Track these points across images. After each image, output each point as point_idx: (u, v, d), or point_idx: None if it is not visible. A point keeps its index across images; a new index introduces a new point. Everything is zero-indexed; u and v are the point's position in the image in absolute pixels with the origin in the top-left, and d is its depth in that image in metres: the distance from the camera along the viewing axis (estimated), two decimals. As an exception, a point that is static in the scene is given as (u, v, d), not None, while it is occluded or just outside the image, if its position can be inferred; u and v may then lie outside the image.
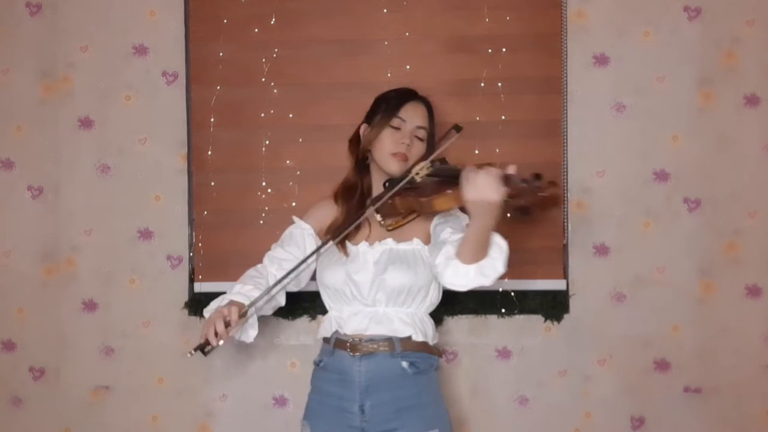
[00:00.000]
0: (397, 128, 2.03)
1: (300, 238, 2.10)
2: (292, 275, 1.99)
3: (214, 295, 2.53)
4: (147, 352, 2.59)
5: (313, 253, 2.00)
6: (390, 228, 1.99)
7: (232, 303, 1.92)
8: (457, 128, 1.96)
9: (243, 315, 1.92)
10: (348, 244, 2.02)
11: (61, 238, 2.60)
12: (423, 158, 2.00)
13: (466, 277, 1.81)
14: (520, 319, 2.52)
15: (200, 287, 2.57)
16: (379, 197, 1.96)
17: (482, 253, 1.79)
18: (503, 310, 2.51)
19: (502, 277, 2.45)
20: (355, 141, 2.13)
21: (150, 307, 2.59)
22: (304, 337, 2.55)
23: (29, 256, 2.61)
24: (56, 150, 2.59)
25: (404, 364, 1.94)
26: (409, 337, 1.95)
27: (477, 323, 2.52)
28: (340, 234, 1.97)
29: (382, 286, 1.95)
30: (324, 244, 1.99)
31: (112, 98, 2.58)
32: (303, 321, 2.55)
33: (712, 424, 2.50)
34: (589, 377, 2.52)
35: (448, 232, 1.89)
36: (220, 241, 2.56)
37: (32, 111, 2.59)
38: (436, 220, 2.00)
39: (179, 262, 2.59)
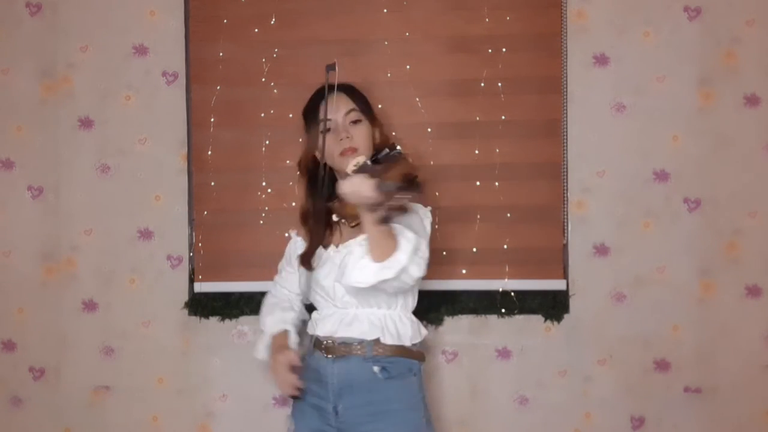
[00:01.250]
0: (329, 129, 1.95)
1: (294, 255, 2.10)
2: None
3: (214, 295, 2.55)
4: (147, 352, 2.59)
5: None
6: (353, 225, 1.94)
7: (281, 344, 2.02)
8: (331, 67, 1.89)
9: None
10: (321, 250, 1.99)
11: (61, 238, 2.60)
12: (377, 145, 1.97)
13: (369, 273, 1.79)
14: (520, 319, 2.52)
15: (200, 287, 2.57)
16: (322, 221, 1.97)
17: (388, 247, 1.78)
18: (503, 310, 2.51)
19: (505, 277, 2.50)
20: (303, 162, 2.04)
21: (150, 307, 2.59)
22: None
23: (29, 256, 2.61)
24: (56, 150, 2.59)
25: (375, 368, 1.91)
26: (378, 340, 1.92)
27: (477, 323, 2.52)
28: (304, 259, 1.99)
29: (345, 288, 1.93)
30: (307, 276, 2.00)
31: (112, 98, 2.58)
32: (303, 321, 2.55)
33: (712, 424, 2.50)
34: (589, 377, 2.52)
35: None
36: (220, 241, 2.56)
37: (32, 111, 2.59)
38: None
39: (179, 262, 2.59)
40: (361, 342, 1.93)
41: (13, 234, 2.61)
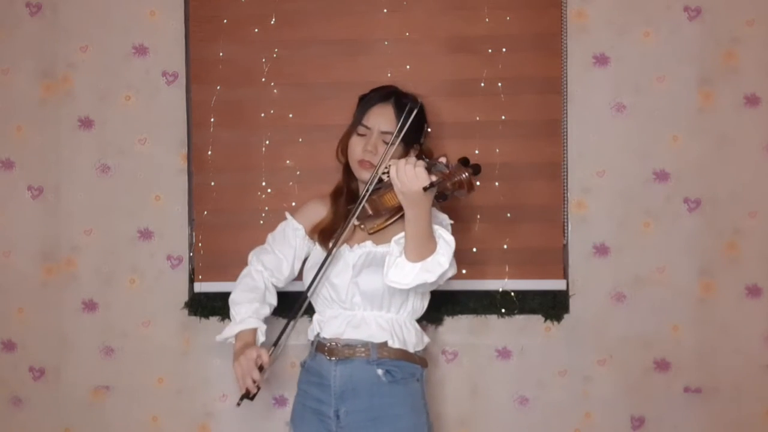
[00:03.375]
0: (363, 135, 2.02)
1: (292, 238, 2.11)
2: (316, 283, 1.99)
3: (214, 295, 2.55)
4: (147, 352, 2.59)
5: (318, 271, 1.97)
6: (371, 232, 1.96)
7: (248, 341, 1.99)
8: (414, 104, 1.95)
9: (279, 338, 1.99)
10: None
11: (61, 238, 2.60)
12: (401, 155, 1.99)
13: (410, 275, 1.79)
14: (520, 319, 2.52)
15: (200, 287, 2.57)
16: (355, 203, 1.96)
17: (427, 248, 1.77)
18: (503, 310, 2.51)
19: (505, 277, 2.50)
20: (340, 146, 2.12)
21: (150, 307, 2.59)
22: (304, 337, 2.54)
23: (29, 256, 2.61)
24: (56, 150, 2.59)
25: (379, 371, 1.91)
26: (385, 343, 1.92)
27: (477, 323, 2.52)
28: (334, 245, 1.96)
29: (358, 290, 1.93)
30: (281, 334, 2.00)
31: (112, 98, 2.58)
32: (303, 321, 2.54)
33: (712, 424, 2.50)
34: (589, 377, 2.52)
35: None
36: (220, 241, 2.56)
37: (32, 111, 2.59)
38: None
39: (179, 262, 2.59)
40: (365, 345, 1.92)
41: (13, 234, 2.61)
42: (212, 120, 2.56)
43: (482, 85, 2.51)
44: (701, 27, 2.48)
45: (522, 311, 2.51)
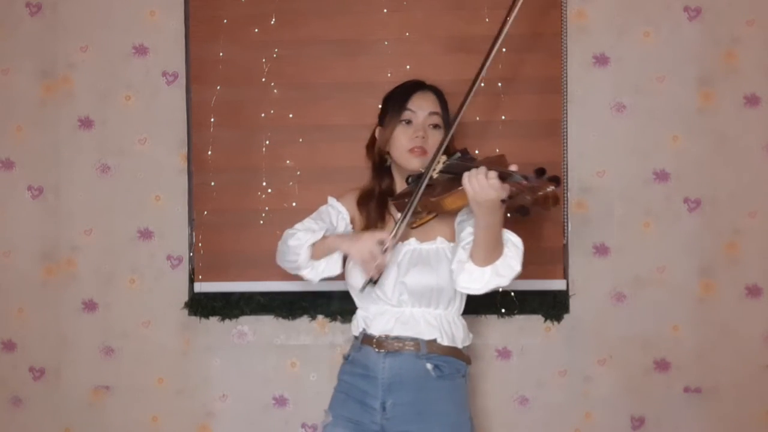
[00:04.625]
0: (409, 122, 1.98)
1: (335, 218, 2.03)
2: (404, 222, 1.86)
3: (214, 295, 2.55)
4: (147, 352, 2.59)
5: (398, 226, 1.85)
6: (413, 226, 1.92)
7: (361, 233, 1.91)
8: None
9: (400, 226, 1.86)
10: None
11: (61, 238, 2.60)
12: (445, 151, 1.91)
13: (480, 280, 1.77)
14: (520, 319, 2.52)
15: (200, 287, 2.57)
16: (401, 196, 1.91)
17: (495, 253, 1.76)
18: (503, 310, 2.51)
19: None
20: (371, 145, 2.08)
21: (150, 307, 2.59)
22: (304, 337, 2.55)
23: (29, 256, 2.61)
24: (56, 150, 2.59)
25: (429, 365, 1.90)
26: (434, 340, 1.91)
27: (477, 323, 2.52)
28: (398, 231, 1.86)
29: (405, 289, 1.91)
30: (400, 222, 1.86)
31: (112, 98, 2.58)
32: (303, 321, 2.55)
33: (712, 424, 2.50)
34: (589, 377, 2.52)
35: (467, 232, 1.84)
36: (220, 241, 2.56)
37: (32, 111, 2.59)
38: (459, 216, 1.93)
39: (179, 262, 2.59)
40: (415, 339, 1.91)
41: (13, 234, 2.61)
42: (212, 120, 2.56)
43: (482, 85, 2.50)
44: (701, 27, 2.48)
45: (522, 311, 2.51)
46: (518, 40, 2.50)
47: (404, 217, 1.85)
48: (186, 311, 2.58)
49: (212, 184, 2.57)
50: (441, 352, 1.91)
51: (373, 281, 1.86)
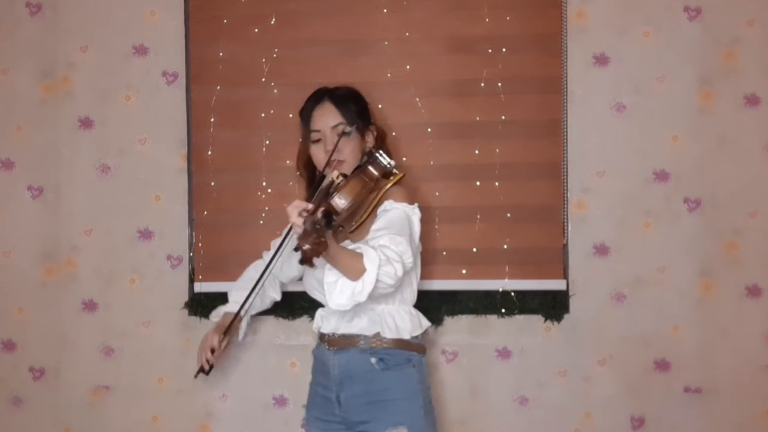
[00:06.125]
0: (318, 141, 2.02)
1: (290, 244, 2.10)
2: (265, 275, 2.07)
3: (214, 295, 2.55)
4: (147, 352, 2.59)
5: (274, 255, 2.04)
6: (351, 231, 1.97)
7: (219, 322, 2.17)
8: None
9: (231, 326, 2.12)
10: None
11: (61, 238, 2.60)
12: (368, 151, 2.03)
13: (344, 298, 1.81)
14: (520, 319, 2.52)
15: (200, 287, 2.57)
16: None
17: (355, 270, 1.78)
18: (503, 310, 2.51)
19: (505, 277, 2.50)
20: (299, 161, 2.14)
21: (150, 307, 2.59)
22: (304, 337, 2.55)
23: (29, 256, 2.61)
24: (56, 150, 2.59)
25: (372, 359, 1.97)
26: (378, 334, 1.97)
27: (477, 323, 2.52)
28: (274, 258, 2.03)
29: None
30: (276, 251, 2.03)
31: (112, 98, 2.58)
32: (303, 321, 2.55)
33: (712, 424, 2.50)
34: (589, 377, 2.52)
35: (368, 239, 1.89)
36: (220, 241, 2.56)
37: (32, 111, 2.59)
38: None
39: (179, 262, 2.59)
40: (359, 335, 1.99)
41: (13, 234, 2.61)
42: (212, 120, 2.56)
43: (482, 85, 2.51)
44: (701, 27, 2.48)
45: (522, 311, 2.51)
46: (518, 40, 2.50)
47: (259, 280, 2.08)
48: (186, 311, 2.58)
49: (212, 184, 2.57)
50: (387, 344, 1.97)
51: (204, 371, 2.14)
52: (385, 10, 2.53)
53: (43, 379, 2.62)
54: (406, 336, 1.99)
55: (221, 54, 2.55)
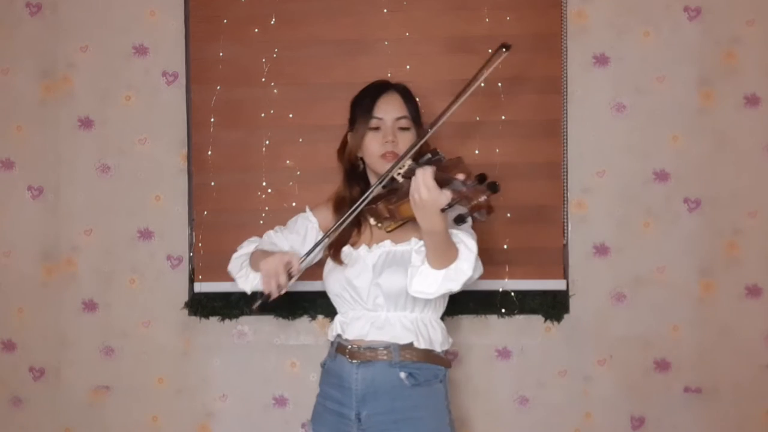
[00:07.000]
0: (377, 128, 1.95)
1: (303, 229, 2.05)
2: (322, 245, 1.92)
3: (214, 296, 2.55)
4: (147, 352, 2.59)
5: (311, 249, 1.91)
6: (388, 230, 1.87)
7: (280, 252, 1.89)
8: (506, 47, 1.80)
9: (314, 249, 1.90)
10: (349, 248, 1.96)
11: (61, 238, 2.60)
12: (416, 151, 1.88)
13: (433, 285, 1.74)
14: (520, 319, 2.52)
15: (200, 287, 2.57)
16: (374, 201, 1.87)
17: (448, 257, 1.72)
18: (503, 310, 2.51)
19: (505, 277, 2.50)
20: (342, 150, 2.06)
21: (150, 307, 2.59)
22: (304, 337, 2.55)
23: (29, 256, 2.61)
24: (56, 150, 2.60)
25: (402, 374, 1.87)
26: (411, 344, 1.88)
27: (477, 323, 2.52)
28: (336, 252, 1.94)
29: (380, 290, 1.89)
30: (314, 247, 1.91)
31: (112, 98, 2.58)
32: (303, 321, 2.55)
33: (712, 424, 2.50)
34: (589, 377, 2.52)
35: None
36: (220, 241, 2.56)
37: (32, 111, 2.59)
38: None
39: (179, 262, 2.59)
40: (387, 347, 1.88)
41: (13, 234, 2.61)
42: (212, 120, 2.56)
43: (482, 85, 2.50)
44: (701, 27, 2.48)
45: (522, 311, 2.51)
46: (518, 40, 2.49)
47: (331, 231, 1.87)
48: (186, 311, 2.58)
49: (212, 184, 2.57)
50: (416, 357, 1.88)
51: (267, 299, 1.84)
52: (385, 10, 2.53)
53: (43, 379, 2.62)
54: (438, 348, 1.92)
55: (221, 54, 2.55)
